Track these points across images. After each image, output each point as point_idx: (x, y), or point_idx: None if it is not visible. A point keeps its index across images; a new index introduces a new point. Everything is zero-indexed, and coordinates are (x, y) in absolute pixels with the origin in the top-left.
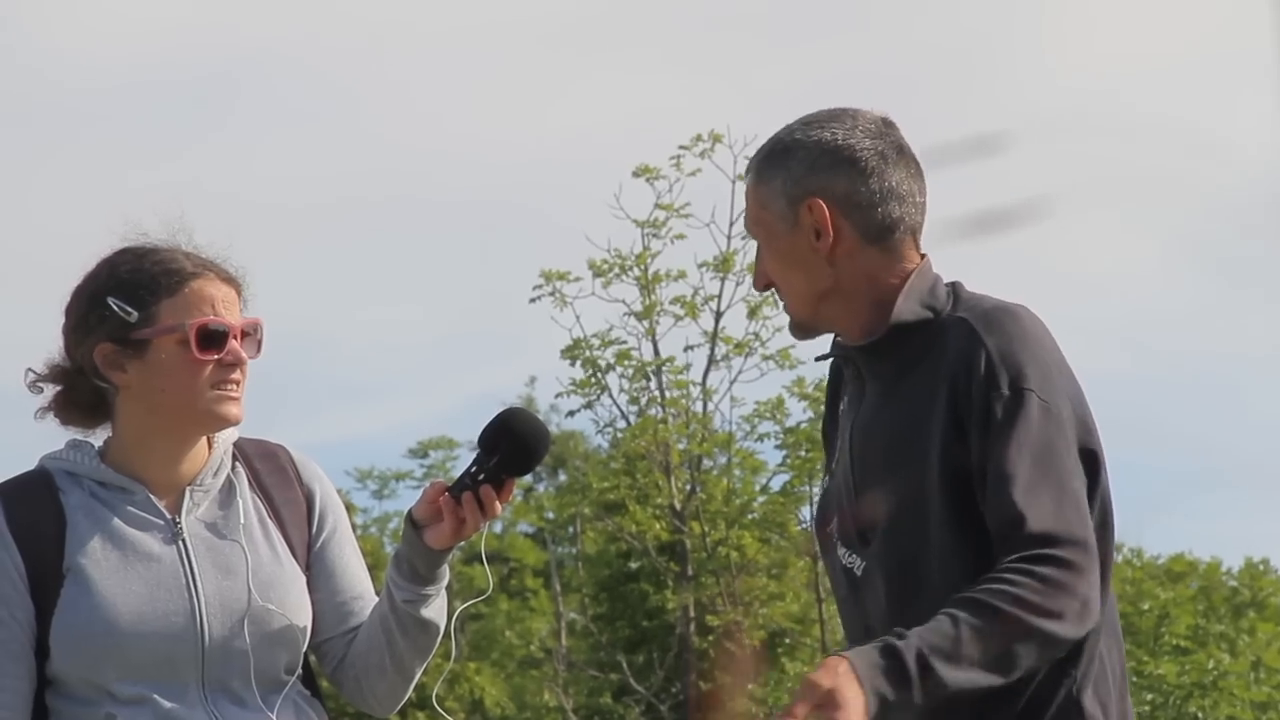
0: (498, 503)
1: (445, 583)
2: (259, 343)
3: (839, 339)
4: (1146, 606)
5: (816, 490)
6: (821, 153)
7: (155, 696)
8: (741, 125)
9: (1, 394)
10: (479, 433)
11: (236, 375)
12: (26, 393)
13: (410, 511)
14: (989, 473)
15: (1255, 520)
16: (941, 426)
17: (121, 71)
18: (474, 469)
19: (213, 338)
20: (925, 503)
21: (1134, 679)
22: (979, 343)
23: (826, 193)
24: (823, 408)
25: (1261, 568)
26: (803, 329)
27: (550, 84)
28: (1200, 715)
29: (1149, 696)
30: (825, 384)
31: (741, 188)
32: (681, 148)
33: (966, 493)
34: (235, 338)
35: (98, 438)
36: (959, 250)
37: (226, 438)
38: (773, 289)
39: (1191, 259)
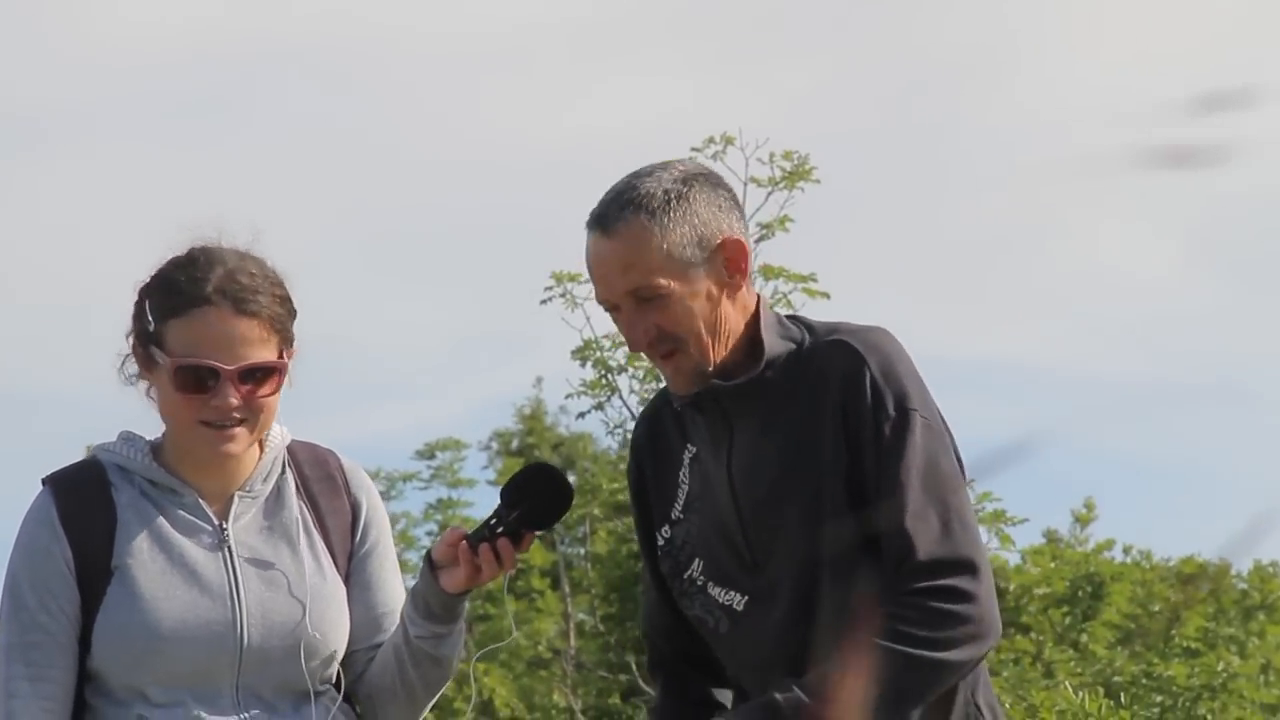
0: (515, 555)
1: (461, 622)
2: (276, 380)
3: (677, 389)
4: (1156, 609)
5: None
6: (719, 194)
7: (189, 701)
8: (755, 127)
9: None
10: (503, 485)
11: (235, 416)
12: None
13: (429, 552)
14: (881, 496)
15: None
16: (834, 448)
17: (133, 78)
18: (494, 521)
19: (194, 380)
20: (820, 524)
21: (1144, 681)
22: (862, 363)
23: (734, 231)
24: None
25: (1271, 570)
26: (706, 378)
27: (564, 88)
28: (1209, 717)
29: (1158, 698)
30: (630, 447)
31: (754, 190)
32: (693, 150)
33: (861, 510)
34: (231, 380)
35: (149, 432)
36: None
37: (279, 442)
38: (654, 346)
39: (1210, 259)
